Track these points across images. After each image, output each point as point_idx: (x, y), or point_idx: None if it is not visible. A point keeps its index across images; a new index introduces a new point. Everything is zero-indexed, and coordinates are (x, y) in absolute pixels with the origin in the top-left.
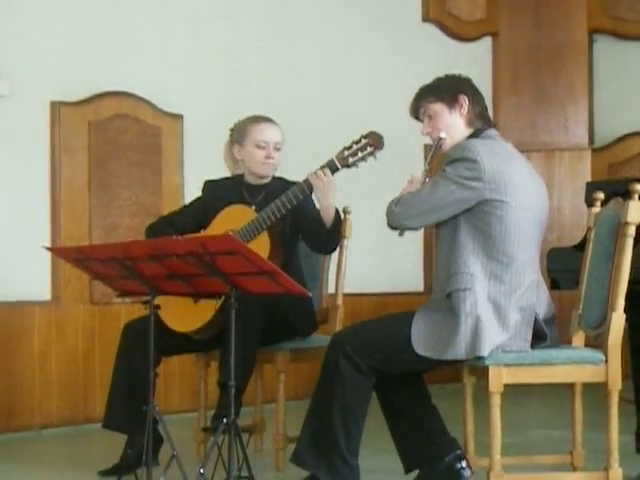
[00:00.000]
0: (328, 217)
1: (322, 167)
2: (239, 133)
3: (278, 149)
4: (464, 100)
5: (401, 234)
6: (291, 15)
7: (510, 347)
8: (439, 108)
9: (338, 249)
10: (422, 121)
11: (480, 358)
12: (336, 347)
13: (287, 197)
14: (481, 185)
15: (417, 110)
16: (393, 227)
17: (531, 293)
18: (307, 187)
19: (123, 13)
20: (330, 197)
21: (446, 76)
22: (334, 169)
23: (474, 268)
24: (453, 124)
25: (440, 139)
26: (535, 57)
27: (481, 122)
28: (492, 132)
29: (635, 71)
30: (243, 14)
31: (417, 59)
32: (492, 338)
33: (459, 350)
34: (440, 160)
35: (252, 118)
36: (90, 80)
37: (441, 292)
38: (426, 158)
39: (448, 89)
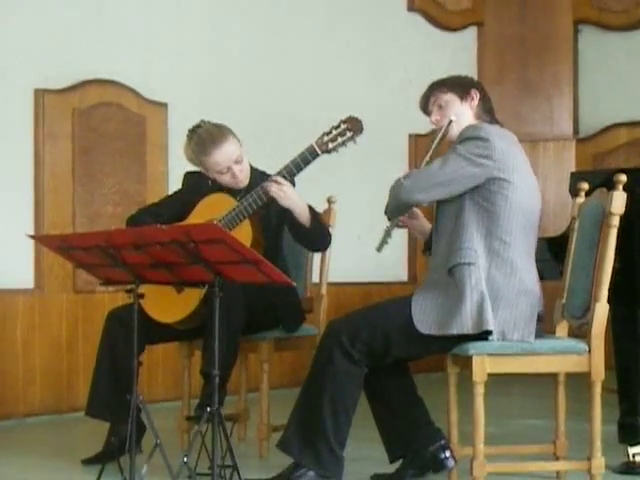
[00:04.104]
0: (305, 219)
1: (278, 174)
2: (198, 163)
3: (239, 161)
4: (475, 94)
5: (379, 249)
6: (276, 4)
7: (513, 331)
8: (450, 98)
9: None
10: (430, 113)
11: (487, 332)
12: (331, 336)
13: (274, 175)
14: (490, 163)
15: (427, 102)
16: (398, 204)
17: (529, 279)
18: (288, 173)
19: (108, 1)
20: (296, 202)
21: (459, 75)
22: (314, 155)
23: (477, 245)
24: (462, 113)
25: (450, 122)
26: (520, 47)
27: (489, 118)
28: (498, 126)
29: (620, 62)
30: (228, 2)
31: (402, 48)
32: (496, 314)
33: (465, 324)
34: (444, 149)
35: (201, 147)
36: (74, 68)
37: (442, 268)
38: (429, 150)
39: (461, 83)
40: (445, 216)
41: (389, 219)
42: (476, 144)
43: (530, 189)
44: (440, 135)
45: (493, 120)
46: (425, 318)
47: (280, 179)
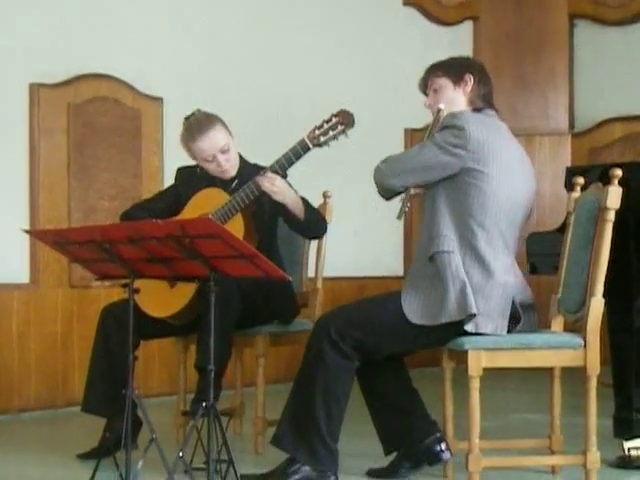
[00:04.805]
0: (299, 211)
1: (270, 169)
2: (186, 150)
3: (226, 151)
4: (469, 79)
5: (399, 217)
6: None
7: (486, 323)
8: (444, 83)
9: None
10: (427, 95)
11: (471, 316)
12: (320, 330)
13: (264, 171)
14: (464, 153)
15: (426, 84)
16: (381, 187)
17: (505, 270)
18: (280, 167)
19: None
20: (289, 195)
21: (460, 56)
22: (306, 149)
23: (453, 234)
24: (455, 99)
25: (439, 110)
26: (516, 42)
27: (483, 103)
28: (490, 112)
29: (615, 56)
30: None
31: (398, 43)
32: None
33: (452, 311)
34: None
35: (189, 133)
36: (69, 62)
37: (424, 256)
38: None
39: (457, 66)
40: (426, 202)
41: (386, 199)
42: (452, 133)
43: (512, 180)
44: (432, 123)
45: (488, 106)
46: (416, 309)
47: (272, 174)
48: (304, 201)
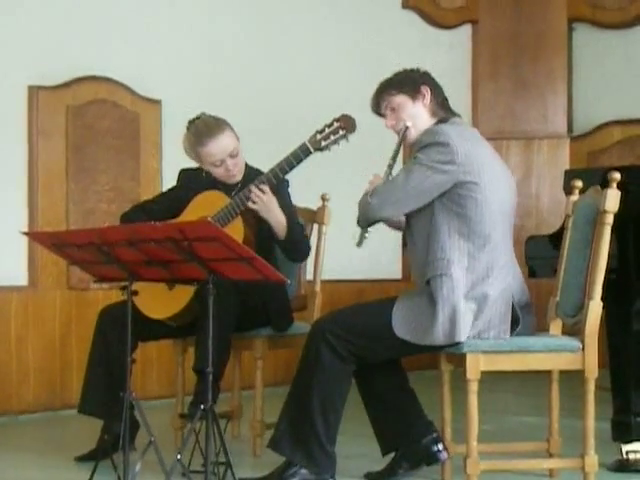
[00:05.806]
0: (280, 232)
1: (271, 171)
2: (193, 154)
3: (234, 155)
4: (426, 90)
5: (359, 244)
6: (271, 1)
7: (488, 329)
8: (402, 100)
9: (317, 235)
10: (384, 116)
11: (458, 343)
12: (317, 334)
13: (260, 181)
14: (455, 168)
15: (378, 105)
16: (368, 222)
17: (506, 273)
18: (280, 171)
19: None
20: (273, 214)
21: (404, 70)
22: (307, 153)
23: (451, 252)
24: (417, 114)
25: (406, 128)
26: (514, 45)
27: (444, 112)
28: (457, 119)
29: (614, 60)
30: None
31: (397, 46)
32: (469, 322)
33: (437, 337)
34: (408, 152)
35: (197, 138)
36: (68, 64)
37: (421, 277)
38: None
39: (409, 82)
40: (417, 225)
41: (364, 227)
42: (437, 150)
43: (500, 185)
44: (398, 142)
45: (449, 112)
46: (403, 324)
47: (265, 188)
48: (297, 227)
